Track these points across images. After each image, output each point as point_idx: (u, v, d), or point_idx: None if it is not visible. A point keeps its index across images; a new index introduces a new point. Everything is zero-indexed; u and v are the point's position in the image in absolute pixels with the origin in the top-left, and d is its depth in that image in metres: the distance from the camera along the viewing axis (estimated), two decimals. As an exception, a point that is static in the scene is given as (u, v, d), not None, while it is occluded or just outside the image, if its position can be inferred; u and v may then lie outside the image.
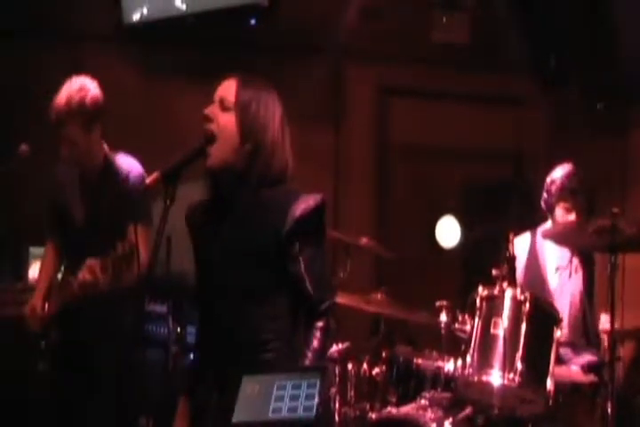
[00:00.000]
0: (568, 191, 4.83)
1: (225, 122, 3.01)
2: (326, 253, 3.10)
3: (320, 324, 2.98)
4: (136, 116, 5.91)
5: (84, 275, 3.90)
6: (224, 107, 3.03)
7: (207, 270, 3.10)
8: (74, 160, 4.25)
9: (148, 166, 4.30)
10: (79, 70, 4.32)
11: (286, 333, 3.03)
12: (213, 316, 3.09)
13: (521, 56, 6.66)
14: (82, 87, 4.16)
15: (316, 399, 2.62)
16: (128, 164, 4.31)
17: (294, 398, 2.66)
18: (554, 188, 4.87)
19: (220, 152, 3.01)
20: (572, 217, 4.80)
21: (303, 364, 2.91)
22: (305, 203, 2.99)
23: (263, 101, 3.05)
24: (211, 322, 3.11)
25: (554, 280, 4.89)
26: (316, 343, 2.95)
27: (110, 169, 4.28)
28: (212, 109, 3.04)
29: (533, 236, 4.96)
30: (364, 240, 5.03)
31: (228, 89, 3.06)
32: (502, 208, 6.56)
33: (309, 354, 2.93)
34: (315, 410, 2.61)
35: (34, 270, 5.17)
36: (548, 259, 4.94)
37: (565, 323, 4.50)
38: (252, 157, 3.01)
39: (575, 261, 4.90)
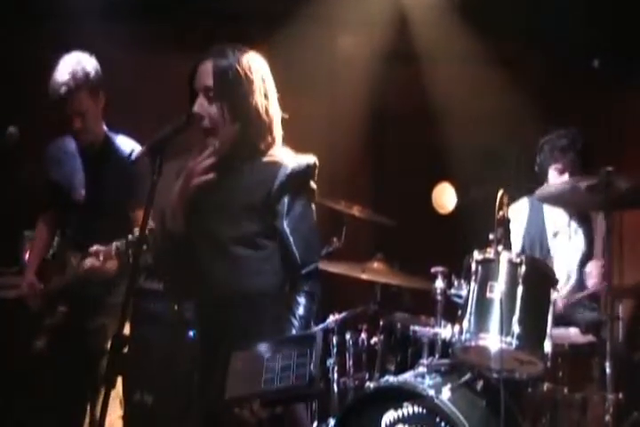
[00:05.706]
0: (559, 150, 4.77)
1: (217, 115, 3.04)
2: (315, 216, 3.09)
3: (304, 288, 2.97)
4: (124, 91, 5.85)
5: (92, 262, 3.97)
6: (209, 97, 3.05)
7: (196, 227, 3.07)
8: (83, 132, 4.24)
9: (137, 141, 4.31)
10: (66, 47, 4.31)
11: (272, 289, 3.02)
12: (200, 272, 3.07)
13: (515, 14, 6.56)
14: (80, 60, 4.22)
15: (309, 367, 2.63)
16: (128, 143, 4.34)
17: (285, 368, 2.68)
18: (546, 147, 4.83)
19: (221, 142, 3.05)
20: (565, 178, 4.73)
21: (290, 332, 2.89)
22: (298, 161, 3.06)
23: (242, 76, 3.06)
24: (197, 281, 3.09)
25: (553, 244, 4.86)
26: (301, 310, 2.93)
27: (111, 146, 4.32)
28: (201, 104, 3.05)
29: (532, 200, 4.91)
30: (357, 208, 5.01)
31: (207, 76, 3.06)
32: (499, 171, 6.52)
33: (295, 322, 2.91)
34: (308, 376, 2.62)
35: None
36: (547, 223, 4.90)
37: (564, 285, 4.49)
38: (243, 133, 3.07)
39: (573, 223, 4.87)
